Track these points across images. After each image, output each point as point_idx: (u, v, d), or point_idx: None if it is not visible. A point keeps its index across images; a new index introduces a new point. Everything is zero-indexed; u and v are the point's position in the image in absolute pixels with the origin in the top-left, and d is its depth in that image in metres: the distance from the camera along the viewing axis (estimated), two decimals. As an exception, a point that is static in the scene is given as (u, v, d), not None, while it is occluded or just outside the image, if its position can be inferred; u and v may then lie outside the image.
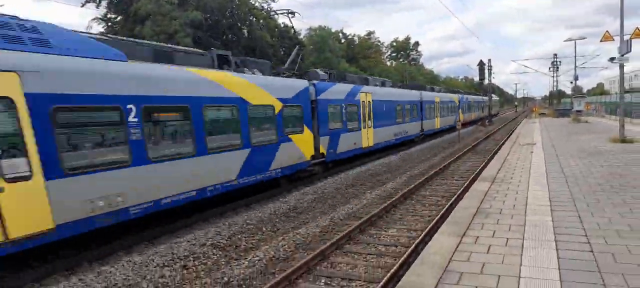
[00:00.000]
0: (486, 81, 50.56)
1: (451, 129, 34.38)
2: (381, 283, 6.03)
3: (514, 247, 5.03)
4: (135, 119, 7.90)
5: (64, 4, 60.98)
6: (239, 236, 8.87)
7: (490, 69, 50.21)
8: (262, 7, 42.88)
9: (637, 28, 16.20)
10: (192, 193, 9.13)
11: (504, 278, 4.21)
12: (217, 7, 33.46)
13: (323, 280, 6.56)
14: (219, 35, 33.95)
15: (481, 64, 50.16)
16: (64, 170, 6.75)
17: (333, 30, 57.75)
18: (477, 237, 5.53)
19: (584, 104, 38.01)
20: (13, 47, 6.37)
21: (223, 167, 10.03)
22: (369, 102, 18.85)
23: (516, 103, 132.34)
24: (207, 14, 34.07)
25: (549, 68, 54.00)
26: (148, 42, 10.88)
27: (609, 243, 4.97)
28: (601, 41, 18.38)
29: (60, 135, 6.75)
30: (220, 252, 8.06)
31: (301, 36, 48.53)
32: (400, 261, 6.83)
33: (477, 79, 57.57)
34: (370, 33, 79.36)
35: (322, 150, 15.01)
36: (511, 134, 26.83)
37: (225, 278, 6.74)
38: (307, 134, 13.91)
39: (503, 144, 21.32)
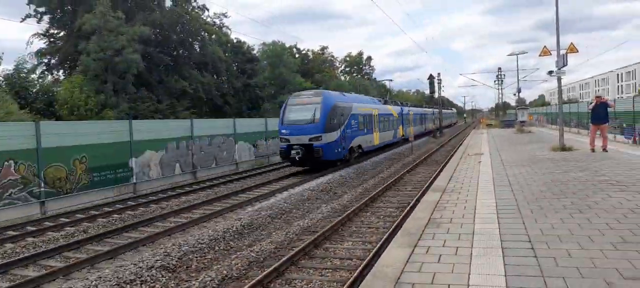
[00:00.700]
0: (436, 94, 52.25)
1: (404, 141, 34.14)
2: (335, 298, 5.97)
3: (463, 256, 5.12)
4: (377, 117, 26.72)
5: (1, 18, 57.64)
6: (190, 256, 8.55)
7: (440, 83, 52.02)
8: (214, 22, 42.45)
9: (571, 43, 17.31)
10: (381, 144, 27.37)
11: (454, 287, 4.26)
12: (167, 22, 32.75)
13: (277, 298, 6.41)
14: (169, 51, 33.15)
15: (431, 78, 51.80)
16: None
17: (287, 46, 57.90)
18: (429, 247, 5.59)
19: (527, 114, 40.03)
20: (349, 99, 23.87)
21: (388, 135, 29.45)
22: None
23: (465, 115, 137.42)
24: (157, 29, 33.26)
25: (495, 81, 56.57)
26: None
27: (551, 248, 5.16)
28: (540, 55, 19.49)
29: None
30: (170, 274, 7.73)
31: (255, 51, 48.36)
32: (354, 275, 6.81)
33: (428, 92, 59.42)
34: (324, 48, 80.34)
35: (402, 134, 33.97)
36: (461, 144, 27.76)
37: (175, 302, 6.45)
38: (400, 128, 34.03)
39: (453, 154, 21.99)
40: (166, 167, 19.18)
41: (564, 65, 16.92)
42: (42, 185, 13.85)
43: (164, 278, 7.53)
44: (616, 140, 19.70)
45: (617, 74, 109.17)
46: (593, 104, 16.42)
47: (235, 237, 9.90)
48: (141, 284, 7.29)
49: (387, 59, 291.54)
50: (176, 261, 8.24)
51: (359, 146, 22.98)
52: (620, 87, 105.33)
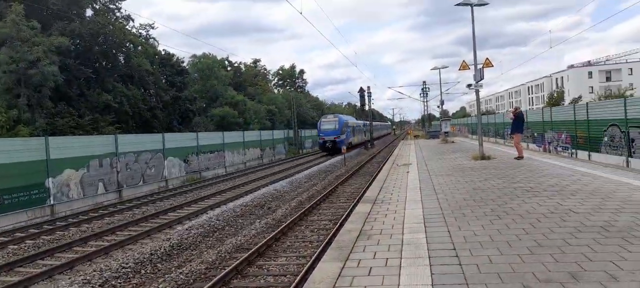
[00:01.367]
0: (367, 107, 53.74)
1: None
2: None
3: (392, 267, 5.25)
4: (355, 127, 50.00)
5: None
6: (113, 282, 8.03)
7: (370, 96, 53.55)
8: (140, 33, 40.74)
9: (486, 58, 18.65)
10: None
11: (384, 299, 4.34)
12: (88, 32, 30.88)
13: (208, 322, 6.18)
14: (91, 63, 31.24)
15: (361, 91, 53.25)
16: None
17: (219, 58, 56.88)
18: (360, 260, 5.67)
19: (450, 126, 42.30)
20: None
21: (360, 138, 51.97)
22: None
23: (394, 127, 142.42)
24: (77, 39, 31.29)
25: (420, 94, 59.20)
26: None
27: (474, 255, 5.43)
28: (459, 69, 20.74)
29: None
30: (90, 304, 7.19)
31: (185, 64, 46.95)
32: (288, 291, 6.74)
33: (358, 104, 61.00)
34: (256, 61, 79.83)
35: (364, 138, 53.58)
36: (390, 155, 28.70)
37: (95, 334, 6.00)
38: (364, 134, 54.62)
39: (383, 165, 22.67)
40: (88, 187, 17.99)
41: (481, 79, 18.14)
42: (-60, 211, 12.48)
43: (83, 309, 6.99)
44: (529, 148, 21.36)
45: (528, 87, 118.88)
46: (515, 112, 17.78)
47: (164, 259, 9.46)
48: (57, 317, 6.71)
49: (319, 71, 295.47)
50: (97, 289, 7.70)
51: (350, 143, 42.62)
52: (531, 99, 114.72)
